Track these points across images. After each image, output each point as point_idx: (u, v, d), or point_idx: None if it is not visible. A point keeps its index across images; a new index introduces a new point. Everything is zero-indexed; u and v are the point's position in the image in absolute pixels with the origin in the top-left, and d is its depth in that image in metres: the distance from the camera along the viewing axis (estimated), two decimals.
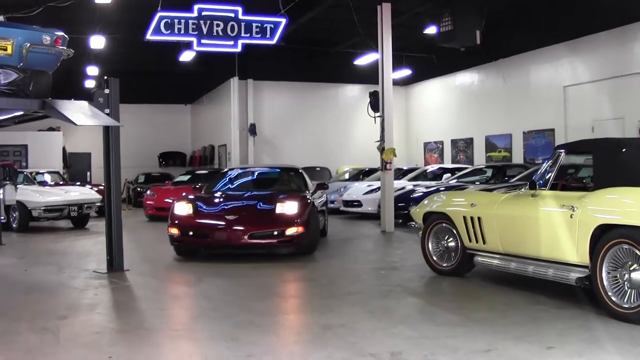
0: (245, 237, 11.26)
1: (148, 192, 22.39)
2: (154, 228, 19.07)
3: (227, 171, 15.15)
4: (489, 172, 19.46)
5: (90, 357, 5.85)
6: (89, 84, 29.29)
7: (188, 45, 18.15)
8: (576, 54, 21.51)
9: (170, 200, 20.44)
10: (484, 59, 24.96)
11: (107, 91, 10.31)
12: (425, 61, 27.51)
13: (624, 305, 6.68)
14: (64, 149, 30.48)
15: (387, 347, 5.85)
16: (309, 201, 12.30)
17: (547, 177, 8.08)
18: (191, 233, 11.59)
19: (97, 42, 22.29)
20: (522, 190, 8.58)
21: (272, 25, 16.51)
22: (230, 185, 14.23)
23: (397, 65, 22.09)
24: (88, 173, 33.80)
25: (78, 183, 21.81)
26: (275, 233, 11.38)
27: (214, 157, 32.34)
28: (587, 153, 8.63)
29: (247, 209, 12.09)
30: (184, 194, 14.96)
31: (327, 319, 7.03)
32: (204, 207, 12.20)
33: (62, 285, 9.70)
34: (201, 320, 7.31)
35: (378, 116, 17.62)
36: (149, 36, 15.88)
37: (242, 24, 16.25)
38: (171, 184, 23.90)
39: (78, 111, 9.52)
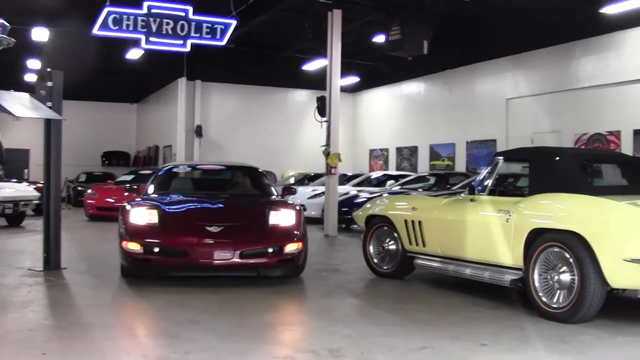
0: (236, 255, 8.72)
1: (89, 191, 21.97)
2: (94, 227, 18.92)
3: (169, 168, 11.86)
4: (432, 180, 19.79)
5: (23, 354, 5.70)
6: (30, 77, 28.83)
7: (136, 43, 17.93)
8: (519, 68, 22.10)
9: (112, 200, 20.39)
10: (431, 69, 25.34)
11: (49, 84, 10.01)
12: (373, 69, 27.79)
13: (553, 305, 7.00)
14: (0, 144, 29.85)
15: (326, 345, 6.00)
16: (299, 209, 9.89)
17: (485, 183, 8.36)
18: (158, 250, 8.76)
19: (40, 34, 21.81)
20: (462, 195, 8.85)
21: (222, 27, 16.48)
22: (178, 187, 11.32)
23: (345, 72, 22.31)
24: (26, 170, 32.98)
25: (14, 180, 21.30)
26: (271, 250, 8.99)
27: (159, 158, 32.18)
28: (523, 161, 9.00)
29: (232, 217, 9.50)
30: (136, 199, 10.75)
31: (268, 317, 7.16)
32: (174, 214, 9.58)
33: None
34: (140, 318, 7.34)
35: (325, 121, 17.80)
36: (96, 31, 15.50)
37: (192, 23, 16.13)
38: (113, 183, 23.54)
39: (18, 102, 9.34)
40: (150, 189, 10.84)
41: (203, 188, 11.62)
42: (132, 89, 34.98)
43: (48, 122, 10.16)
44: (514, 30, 19.95)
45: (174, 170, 11.89)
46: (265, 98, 30.84)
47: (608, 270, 6.57)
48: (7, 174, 25.32)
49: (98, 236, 16.74)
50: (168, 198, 10.29)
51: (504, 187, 8.68)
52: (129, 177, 23.68)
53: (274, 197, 10.80)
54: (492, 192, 8.31)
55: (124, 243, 9.00)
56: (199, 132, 29.01)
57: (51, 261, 10.16)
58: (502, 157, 8.52)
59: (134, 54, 24.12)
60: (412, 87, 28.30)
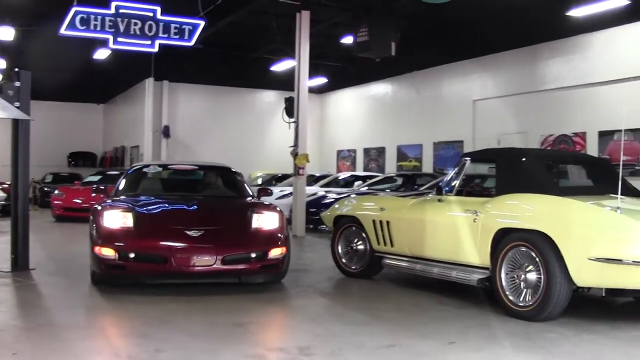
0: (217, 261, 8.24)
1: (56, 191, 21.81)
2: (61, 228, 18.79)
3: (139, 168, 11.30)
4: (400, 181, 19.89)
5: None
6: None
7: (103, 43, 17.85)
8: (486, 70, 22.30)
9: (80, 201, 20.32)
10: (399, 70, 25.46)
11: (17, 84, 9.95)
12: (341, 70, 27.86)
13: (520, 304, 7.10)
14: None
15: (296, 343, 6.06)
16: (282, 212, 9.47)
17: (453, 184, 8.46)
18: (134, 255, 8.20)
19: (6, 33, 21.65)
20: (430, 195, 8.94)
21: (190, 27, 16.44)
22: (149, 188, 10.76)
23: (313, 73, 22.35)
24: None
25: None
26: (254, 255, 8.54)
27: (126, 158, 32.00)
28: (490, 161, 9.12)
29: (212, 220, 9.02)
30: (107, 200, 9.99)
31: (237, 317, 7.17)
32: (150, 217, 9.01)
33: None
34: (111, 318, 7.33)
35: (292, 122, 17.83)
36: (63, 31, 15.39)
37: (160, 24, 16.07)
38: (80, 184, 23.33)
39: None
40: (121, 189, 10.26)
41: (175, 189, 10.99)
42: (99, 89, 34.69)
43: (16, 123, 10.11)
44: (482, 32, 20.12)
45: (145, 170, 11.25)
46: (233, 99, 30.81)
47: (573, 269, 6.68)
48: None
49: (66, 237, 16.66)
50: (141, 200, 9.67)
51: (471, 188, 8.79)
52: (96, 178, 23.54)
53: (251, 198, 10.32)
54: (459, 193, 8.40)
55: (96, 248, 8.36)
56: (166, 132, 28.90)
57: (19, 262, 10.08)
58: (469, 158, 8.63)
59: (101, 54, 23.97)
60: (380, 89, 28.43)
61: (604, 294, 6.94)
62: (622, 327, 6.85)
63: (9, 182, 20.45)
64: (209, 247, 8.35)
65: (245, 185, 11.12)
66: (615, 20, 17.33)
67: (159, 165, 11.78)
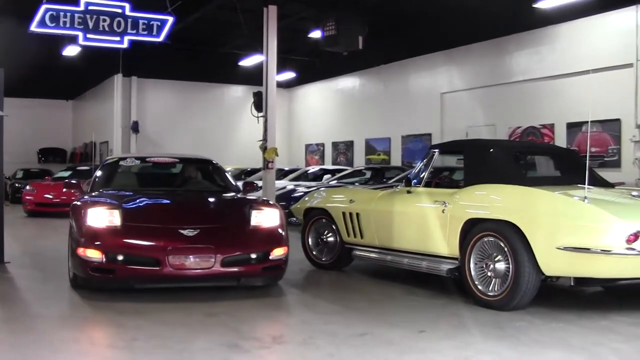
0: (216, 263, 7.54)
1: (27, 187, 21.87)
2: (34, 223, 18.80)
3: (115, 161, 10.53)
4: (368, 174, 20.00)
5: None
6: None
7: (73, 40, 17.84)
8: (453, 63, 22.47)
9: (51, 196, 20.35)
10: (366, 64, 25.59)
11: None
12: (309, 65, 27.91)
13: (489, 294, 7.21)
14: None
15: (269, 332, 6.16)
16: (281, 208, 8.85)
17: (421, 176, 8.56)
18: (123, 258, 7.49)
19: None
20: (398, 187, 9.03)
21: (159, 23, 16.46)
22: (128, 183, 10.14)
23: (281, 67, 22.34)
24: None
25: None
26: (255, 256, 7.86)
27: (96, 154, 31.86)
28: (458, 153, 9.24)
29: (207, 218, 8.45)
30: (85, 196, 9.20)
31: (209, 307, 7.23)
32: (139, 215, 8.24)
33: None
34: (86, 309, 7.36)
35: (261, 116, 17.87)
36: (33, 28, 15.47)
37: (129, 20, 16.10)
38: (51, 179, 23.33)
39: None
40: (97, 184, 9.56)
41: (156, 183, 10.37)
42: (68, 85, 34.53)
43: None
44: (448, 25, 20.25)
45: (121, 163, 10.40)
46: (201, 94, 30.81)
47: (541, 259, 6.79)
48: None
49: (38, 232, 16.77)
50: (124, 195, 8.81)
51: (440, 180, 8.89)
52: (67, 173, 23.61)
53: (238, 193, 9.64)
54: (428, 184, 8.51)
55: (79, 250, 7.60)
56: (135, 128, 28.86)
57: None
58: (437, 150, 8.73)
59: (70, 51, 23.88)
60: (348, 82, 28.54)
61: (572, 284, 7.04)
62: (591, 316, 6.95)
63: None
64: (207, 247, 7.58)
65: (231, 178, 10.46)
66: (582, 12, 17.45)
67: (136, 158, 10.72)
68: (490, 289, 7.24)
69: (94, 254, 7.52)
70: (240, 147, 29.35)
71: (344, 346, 5.76)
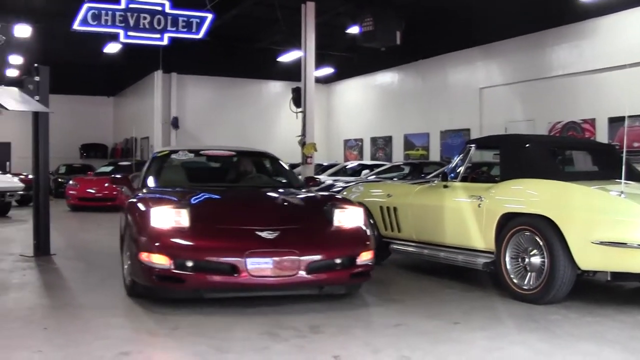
0: (301, 269, 6.65)
1: (70, 182, 22.28)
2: (76, 217, 19.21)
3: (166, 154, 9.47)
4: (407, 169, 20.02)
5: (26, 328, 6.10)
6: (11, 72, 29.03)
7: (114, 37, 18.19)
8: (491, 58, 22.41)
9: (93, 191, 20.74)
10: (404, 59, 25.62)
11: (37, 78, 10.36)
12: (347, 60, 28.00)
13: (524, 287, 7.26)
14: None
15: (307, 322, 6.25)
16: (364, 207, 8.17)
17: (458, 170, 8.62)
18: (194, 264, 6.60)
19: (23, 30, 22.06)
20: (435, 182, 9.11)
21: (198, 20, 16.72)
22: (183, 179, 9.03)
23: (319, 63, 22.52)
24: (7, 163, 33.14)
25: None
26: (340, 261, 6.97)
27: (136, 150, 32.28)
28: (495, 148, 9.28)
29: (285, 218, 7.39)
30: (139, 193, 8.15)
31: (249, 298, 7.32)
32: (210, 214, 7.31)
33: None
34: (129, 298, 7.49)
35: (300, 112, 18.04)
36: (76, 26, 15.88)
37: (169, 17, 16.41)
38: (94, 174, 23.89)
39: (8, 96, 9.67)
40: (148, 180, 8.70)
41: (212, 179, 9.42)
42: (109, 82, 35.10)
43: (36, 116, 10.49)
44: (487, 19, 20.19)
45: (173, 156, 9.39)
46: (240, 90, 31.04)
47: (576, 253, 6.82)
48: None
49: (81, 225, 17.13)
50: (185, 192, 7.96)
51: (476, 174, 8.95)
52: (109, 169, 24.02)
53: (305, 189, 8.93)
54: (464, 179, 8.57)
55: (142, 255, 6.74)
56: (175, 123, 29.25)
57: (41, 247, 10.54)
58: (473, 145, 8.77)
59: (111, 48, 24.28)
60: (386, 78, 28.58)
61: (609, 278, 7.03)
62: (628, 311, 6.95)
63: (25, 173, 20.96)
64: (291, 251, 6.66)
65: (294, 173, 9.86)
66: (622, 5, 17.37)
67: (190, 151, 9.61)
68: (525, 282, 7.28)
69: (160, 260, 6.62)
70: (279, 143, 29.44)
71: (379, 336, 5.87)
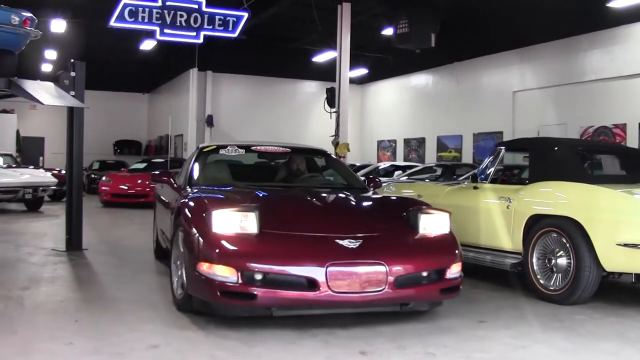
0: (389, 284, 5.78)
1: (104, 178, 22.40)
2: (109, 213, 19.35)
3: (212, 149, 8.64)
4: (439, 171, 20.05)
5: (58, 321, 6.16)
6: (46, 67, 29.43)
7: (150, 34, 18.40)
8: (525, 62, 22.41)
9: (126, 187, 20.96)
10: (438, 61, 25.65)
11: (73, 74, 10.42)
12: (381, 61, 28.10)
13: (551, 288, 7.35)
14: (17, 132, 30.23)
15: (332, 319, 6.33)
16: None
17: (488, 172, 8.71)
18: (264, 277, 5.71)
19: (58, 25, 22.34)
20: (465, 183, 9.21)
21: (234, 19, 16.91)
22: (232, 176, 8.19)
23: (354, 64, 22.62)
24: (41, 158, 33.43)
25: (32, 167, 21.78)
26: (426, 274, 6.12)
27: (170, 147, 32.53)
28: (524, 150, 9.35)
29: (366, 224, 6.49)
30: (192, 193, 7.20)
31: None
32: (280, 219, 6.33)
33: (20, 260, 9.78)
34: (162, 293, 7.59)
35: (334, 112, 18.16)
36: (113, 23, 16.12)
37: (205, 15, 16.60)
38: (127, 171, 23.98)
39: (44, 91, 9.70)
40: (195, 177, 7.90)
41: (267, 178, 8.59)
42: (144, 79, 35.36)
43: (71, 111, 10.60)
44: (521, 23, 20.24)
45: (222, 152, 8.56)
46: (274, 89, 31.22)
47: (602, 255, 6.91)
48: (24, 161, 25.66)
49: (113, 221, 17.24)
50: (245, 192, 7.22)
51: (506, 176, 9.05)
52: (142, 165, 24.14)
53: (369, 191, 8.13)
54: (494, 181, 8.67)
55: (202, 266, 5.84)
56: (209, 121, 29.44)
57: (73, 242, 10.62)
58: (503, 147, 8.86)
59: (147, 45, 24.52)
60: (420, 79, 28.63)
61: (633, 280, 7.16)
62: None
63: (58, 169, 21.22)
64: (377, 263, 5.81)
65: (354, 173, 9.05)
66: None
67: (239, 147, 8.64)
68: (551, 283, 7.37)
69: (224, 272, 5.72)
70: (312, 142, 29.15)
71: (406, 333, 5.96)
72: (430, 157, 27.15)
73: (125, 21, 16.06)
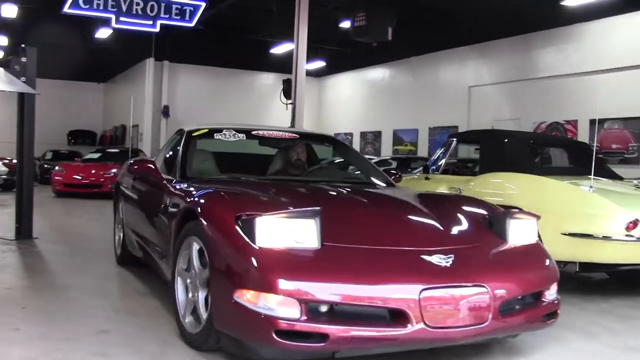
0: (492, 312, 4.24)
1: (57, 167, 22.17)
2: (61, 203, 19.14)
3: (204, 133, 7.01)
4: (394, 164, 20.27)
5: (5, 307, 6.02)
6: None
7: (106, 22, 18.18)
8: (481, 57, 22.69)
9: (79, 177, 20.66)
10: (396, 55, 25.84)
11: (23, 59, 10.21)
12: (339, 54, 28.13)
13: None
14: None
15: None
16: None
17: (439, 163, 8.87)
18: (330, 309, 4.06)
19: (10, 10, 21.91)
20: (417, 174, 9.33)
21: (191, 8, 16.79)
22: (232, 169, 6.59)
23: (312, 56, 22.60)
24: None
25: None
26: (528, 297, 4.70)
27: (126, 138, 32.31)
28: (475, 142, 9.51)
29: (453, 235, 4.96)
30: (209, 189, 5.31)
31: None
32: (343, 228, 4.61)
33: None
34: (110, 281, 7.55)
35: (290, 103, 18.15)
36: (67, 9, 15.72)
37: (162, 4, 16.42)
38: (81, 161, 23.71)
39: None
40: (188, 167, 6.32)
41: (267, 169, 6.98)
42: (99, 68, 34.88)
43: (21, 98, 10.36)
44: (478, 19, 20.39)
45: (217, 137, 6.86)
46: (232, 80, 31.15)
47: (548, 244, 6.98)
48: None
49: (65, 210, 17.07)
50: (287, 189, 5.72)
51: (457, 167, 9.19)
52: (96, 155, 23.88)
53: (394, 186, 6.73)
54: (445, 172, 8.80)
55: (245, 295, 4.10)
56: (166, 112, 29.24)
57: (23, 231, 10.38)
58: (455, 139, 9.03)
59: (103, 33, 24.25)
60: (377, 73, 28.79)
61: (577, 269, 7.29)
62: (594, 299, 7.22)
63: (9, 158, 20.92)
64: (479, 285, 4.28)
65: (375, 166, 7.49)
66: (608, 11, 17.64)
67: (237, 131, 6.93)
68: None
69: (283, 305, 3.98)
70: None
71: None
72: (386, 150, 27.32)
73: (79, 8, 15.76)
